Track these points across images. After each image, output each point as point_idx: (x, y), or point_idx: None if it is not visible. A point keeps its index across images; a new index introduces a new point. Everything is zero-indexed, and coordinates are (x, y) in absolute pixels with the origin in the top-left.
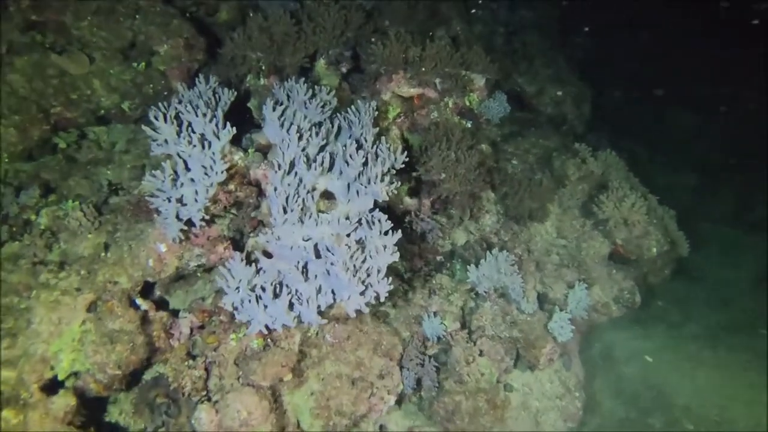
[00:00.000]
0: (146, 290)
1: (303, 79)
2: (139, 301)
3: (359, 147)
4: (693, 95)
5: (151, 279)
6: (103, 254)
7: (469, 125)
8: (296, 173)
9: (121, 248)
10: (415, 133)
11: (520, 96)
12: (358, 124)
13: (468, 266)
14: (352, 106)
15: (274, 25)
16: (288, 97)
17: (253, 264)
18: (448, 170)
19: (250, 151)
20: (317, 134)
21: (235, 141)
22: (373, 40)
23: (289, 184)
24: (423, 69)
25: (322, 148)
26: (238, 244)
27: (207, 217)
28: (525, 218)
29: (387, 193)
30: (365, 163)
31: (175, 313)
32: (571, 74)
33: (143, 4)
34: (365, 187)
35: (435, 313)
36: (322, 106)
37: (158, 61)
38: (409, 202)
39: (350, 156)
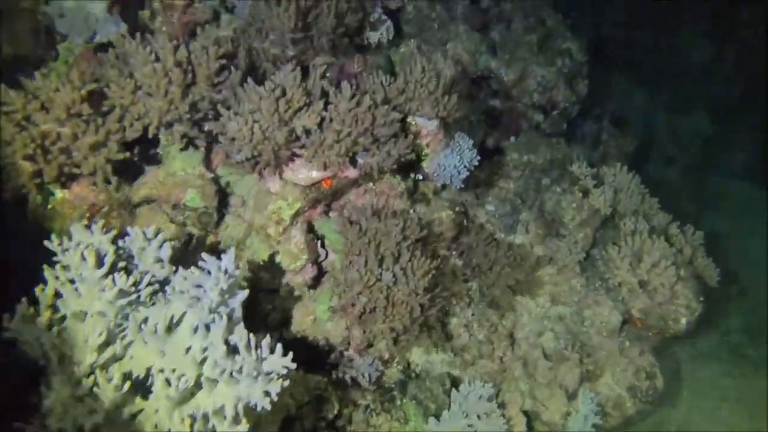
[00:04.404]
0: None
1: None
2: None
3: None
4: (708, 18)
5: None
6: None
7: (415, 186)
8: None
9: None
10: (332, 220)
11: (494, 82)
12: (212, 308)
13: (425, 418)
14: (194, 271)
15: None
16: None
17: None
18: (380, 302)
19: None
20: None
21: None
22: (230, 103)
23: None
24: (326, 146)
25: None
26: None
27: None
28: (508, 298)
29: None
30: None
31: None
32: (562, 26)
33: None
34: None
35: None
36: (132, 287)
37: None
38: (333, 331)
39: None
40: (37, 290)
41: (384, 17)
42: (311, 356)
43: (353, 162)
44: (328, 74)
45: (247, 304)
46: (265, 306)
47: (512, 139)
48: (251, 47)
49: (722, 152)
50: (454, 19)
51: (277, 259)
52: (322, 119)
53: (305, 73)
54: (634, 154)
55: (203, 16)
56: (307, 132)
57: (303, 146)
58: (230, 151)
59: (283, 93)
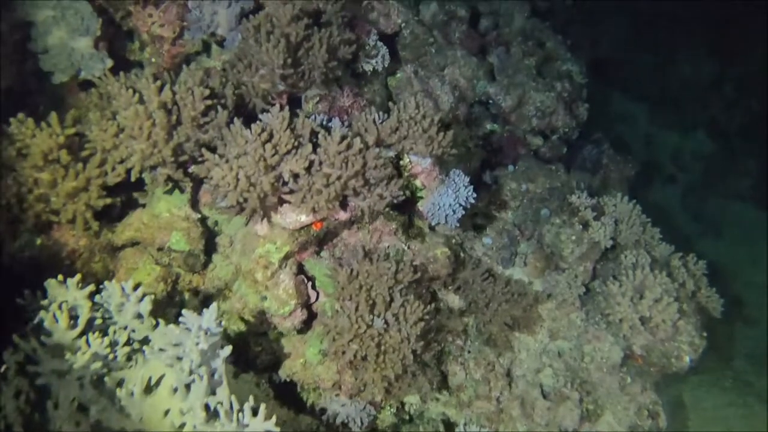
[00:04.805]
0: None
1: None
2: None
3: None
4: (712, 37)
5: None
6: None
7: (409, 221)
8: None
9: None
10: (323, 261)
11: (493, 107)
12: (192, 369)
13: None
14: (174, 328)
15: None
16: None
17: None
18: (371, 350)
19: None
20: None
21: None
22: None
23: None
24: (314, 190)
25: None
26: None
27: None
28: (505, 335)
29: None
30: None
31: None
32: (562, 48)
33: None
34: None
35: None
36: (107, 349)
37: None
38: (324, 375)
39: None
40: (6, 354)
41: (379, 44)
42: (302, 399)
43: (344, 205)
44: (319, 106)
45: (234, 346)
46: (253, 348)
47: (510, 167)
48: (240, 82)
49: (724, 173)
50: (451, 43)
51: (265, 304)
52: (311, 162)
53: (297, 106)
54: (635, 176)
55: (193, 48)
56: (295, 176)
57: (291, 191)
58: (215, 197)
59: (270, 136)
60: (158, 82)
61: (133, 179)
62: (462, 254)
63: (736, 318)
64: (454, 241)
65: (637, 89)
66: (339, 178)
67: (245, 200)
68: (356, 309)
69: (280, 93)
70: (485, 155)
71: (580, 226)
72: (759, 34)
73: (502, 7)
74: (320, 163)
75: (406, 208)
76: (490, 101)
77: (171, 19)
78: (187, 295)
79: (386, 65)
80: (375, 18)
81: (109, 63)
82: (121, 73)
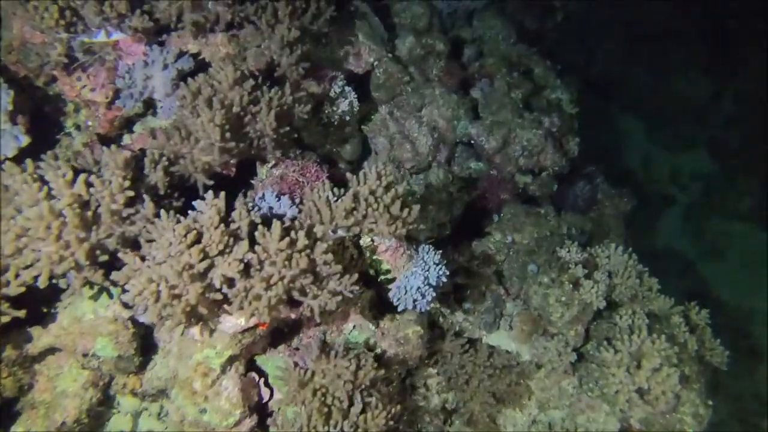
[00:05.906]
0: None
1: None
2: None
3: None
4: (709, 51)
5: None
6: None
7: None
8: None
9: None
10: (277, 353)
11: (475, 149)
12: None
13: None
14: None
15: None
16: None
17: None
18: None
19: None
20: None
21: None
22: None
23: None
24: (253, 295)
25: None
26: None
27: None
28: (488, 414)
29: None
30: None
31: None
32: (551, 75)
33: None
34: None
35: None
36: None
37: None
38: None
39: None
40: None
41: (347, 89)
42: None
43: (292, 302)
44: (275, 170)
45: None
46: None
47: (495, 216)
48: (178, 154)
49: (725, 193)
50: (429, 80)
51: (205, 418)
52: (248, 263)
53: (252, 169)
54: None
55: (130, 112)
56: (230, 281)
57: (225, 297)
58: (135, 310)
59: (199, 238)
60: (69, 175)
61: (41, 286)
62: (440, 319)
63: (741, 351)
64: (432, 307)
65: (633, 107)
66: (282, 278)
67: (176, 314)
68: (308, 420)
69: (225, 164)
70: (468, 200)
71: (570, 286)
72: (758, 48)
73: (486, 33)
74: (260, 262)
75: (373, 282)
76: (473, 141)
77: (101, 82)
78: (122, 400)
79: (356, 111)
80: (344, 59)
81: (25, 141)
82: (28, 162)
